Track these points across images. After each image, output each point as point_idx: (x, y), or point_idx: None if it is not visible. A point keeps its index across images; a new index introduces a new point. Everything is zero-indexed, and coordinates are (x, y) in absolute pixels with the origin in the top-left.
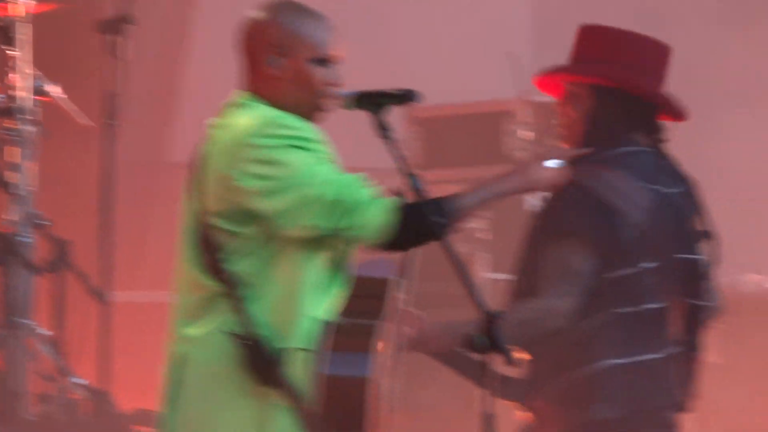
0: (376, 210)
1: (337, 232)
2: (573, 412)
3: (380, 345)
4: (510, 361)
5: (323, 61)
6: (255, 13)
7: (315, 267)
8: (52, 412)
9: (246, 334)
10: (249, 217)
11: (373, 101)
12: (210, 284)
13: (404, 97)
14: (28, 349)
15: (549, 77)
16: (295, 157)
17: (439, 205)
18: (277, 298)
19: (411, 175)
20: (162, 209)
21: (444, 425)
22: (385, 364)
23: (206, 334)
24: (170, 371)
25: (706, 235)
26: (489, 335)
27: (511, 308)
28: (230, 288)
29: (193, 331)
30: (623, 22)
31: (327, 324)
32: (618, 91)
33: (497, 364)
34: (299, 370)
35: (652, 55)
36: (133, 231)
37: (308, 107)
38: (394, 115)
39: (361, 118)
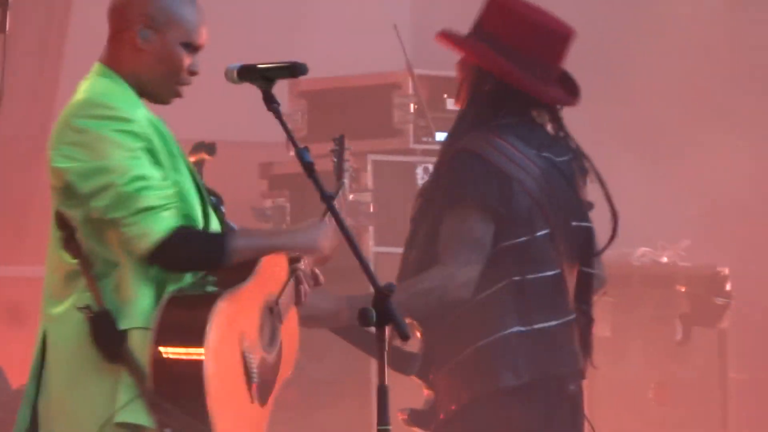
0: (159, 223)
1: (121, 226)
2: (477, 382)
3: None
4: (405, 335)
5: (191, 48)
6: None
7: None
8: None
9: (94, 312)
10: (74, 196)
11: (259, 74)
12: (68, 262)
13: (291, 69)
14: None
15: (443, 43)
16: (110, 144)
17: (219, 240)
18: (118, 276)
19: (299, 149)
20: (44, 184)
21: (338, 399)
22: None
23: (64, 312)
24: (36, 350)
25: (591, 205)
26: (382, 309)
27: (412, 280)
28: (84, 266)
29: (55, 309)
30: None
31: (168, 298)
32: (491, 75)
33: (393, 337)
34: (140, 348)
35: (545, 38)
36: (14, 206)
37: (164, 87)
38: (281, 89)
39: (249, 90)
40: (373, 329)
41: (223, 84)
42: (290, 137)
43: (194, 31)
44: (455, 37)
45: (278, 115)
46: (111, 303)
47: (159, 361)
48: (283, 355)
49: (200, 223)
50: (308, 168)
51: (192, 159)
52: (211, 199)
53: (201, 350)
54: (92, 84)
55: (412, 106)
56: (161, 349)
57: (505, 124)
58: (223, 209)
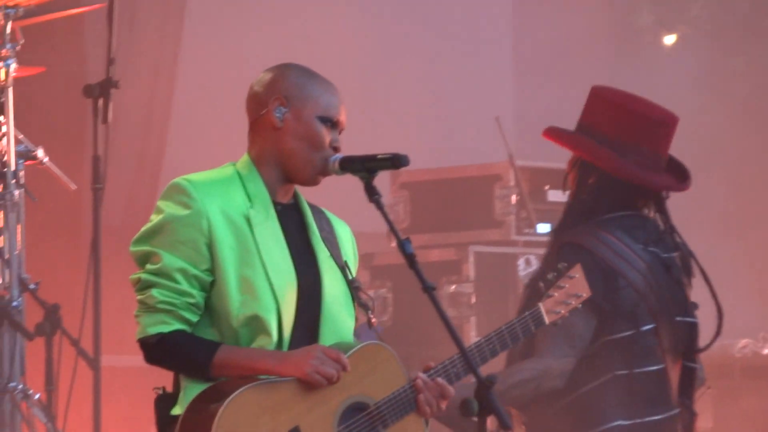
0: (152, 325)
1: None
2: None
3: None
4: (506, 425)
5: (329, 122)
6: (268, 70)
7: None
8: None
9: (159, 395)
10: None
11: (362, 165)
12: None
13: (392, 161)
14: (21, 412)
15: (549, 138)
16: (163, 228)
17: (202, 355)
18: None
19: (401, 240)
20: None
21: None
22: None
23: None
24: None
25: (695, 305)
26: (484, 399)
27: (511, 369)
28: None
29: None
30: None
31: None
32: (595, 168)
33: (494, 427)
34: None
35: (648, 126)
36: (122, 295)
37: (308, 164)
38: (383, 179)
39: (351, 182)
40: (475, 419)
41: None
42: (392, 228)
43: (330, 106)
44: (559, 132)
45: (380, 206)
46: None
47: None
48: None
49: (269, 315)
50: (410, 259)
51: None
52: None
53: None
54: (207, 171)
55: (513, 197)
56: None
57: (613, 218)
58: (370, 315)
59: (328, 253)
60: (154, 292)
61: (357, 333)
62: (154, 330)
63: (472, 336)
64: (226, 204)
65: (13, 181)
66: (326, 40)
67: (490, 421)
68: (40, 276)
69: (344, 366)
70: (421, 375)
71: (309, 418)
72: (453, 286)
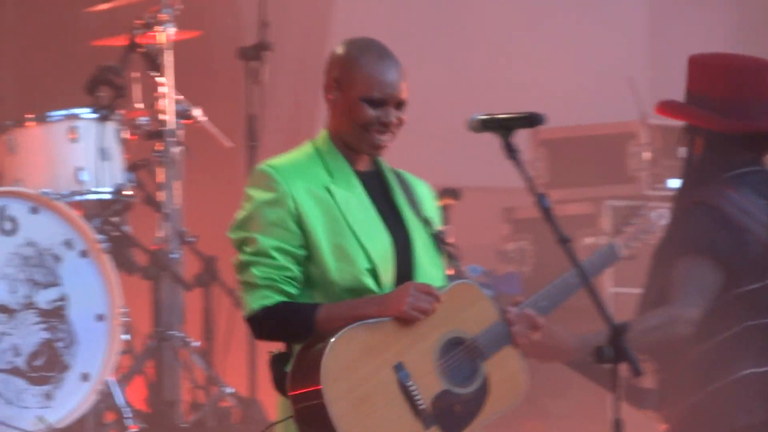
0: (255, 300)
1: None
2: (714, 422)
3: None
4: (638, 372)
5: (373, 102)
6: (335, 49)
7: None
8: (204, 419)
9: (273, 355)
10: None
11: (501, 124)
12: None
13: (531, 119)
14: (181, 359)
15: (662, 114)
16: (254, 213)
17: (304, 317)
18: None
19: (538, 195)
20: None
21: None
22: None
23: None
24: None
25: None
26: (616, 346)
27: (641, 316)
28: None
29: None
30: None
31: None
32: (707, 132)
33: (626, 373)
34: None
35: (751, 77)
36: None
37: (357, 140)
38: (521, 136)
39: (490, 139)
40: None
41: (468, 133)
42: (530, 183)
43: (375, 84)
44: (671, 107)
45: (518, 162)
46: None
47: (296, 406)
48: (491, 392)
49: (366, 277)
50: (546, 213)
51: (440, 203)
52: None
53: (319, 387)
54: (287, 153)
55: (646, 154)
56: (293, 394)
57: (737, 175)
58: (458, 263)
59: (411, 211)
60: (254, 270)
61: (498, 282)
62: (258, 305)
63: (607, 285)
64: (308, 181)
65: (172, 139)
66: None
67: (623, 368)
68: (197, 230)
69: (437, 298)
70: (512, 308)
71: (411, 354)
72: (589, 239)
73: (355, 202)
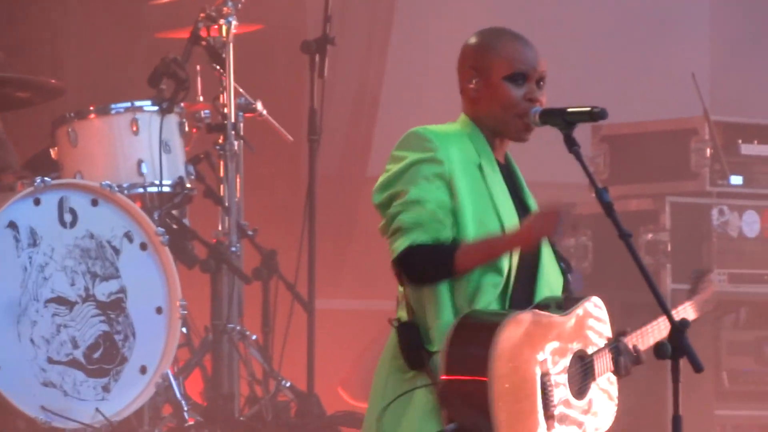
0: (401, 242)
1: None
2: None
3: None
4: (699, 368)
5: (516, 78)
6: (466, 41)
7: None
8: (261, 413)
9: (400, 323)
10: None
11: (562, 118)
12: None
13: (593, 114)
14: (239, 352)
15: None
16: (407, 169)
17: (445, 252)
18: (423, 297)
19: (599, 190)
20: (361, 222)
21: (636, 429)
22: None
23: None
24: None
25: None
26: (677, 343)
27: None
28: (403, 287)
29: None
30: None
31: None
32: None
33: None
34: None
35: None
36: (334, 242)
37: (507, 125)
38: (582, 132)
39: (551, 133)
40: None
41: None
42: (591, 178)
43: (515, 61)
44: None
45: (579, 157)
46: (421, 320)
47: (448, 389)
48: (593, 412)
49: (503, 260)
50: (607, 208)
51: None
52: (560, 264)
53: (485, 379)
54: (436, 125)
55: (708, 150)
56: (450, 378)
57: None
58: (571, 277)
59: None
60: (402, 216)
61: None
62: (404, 243)
63: (667, 282)
64: (462, 152)
65: (233, 132)
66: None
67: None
68: (257, 223)
69: (565, 210)
70: (623, 340)
71: (554, 357)
72: (650, 235)
73: (499, 186)
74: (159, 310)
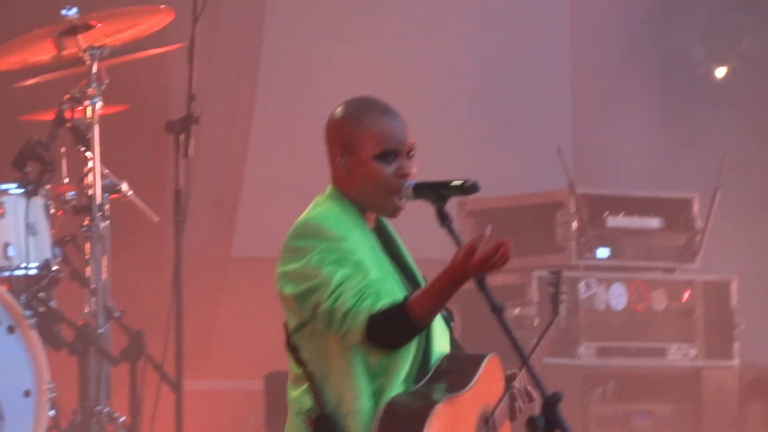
0: (359, 320)
1: (340, 338)
2: None
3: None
4: None
5: (386, 155)
6: (332, 113)
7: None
8: None
9: (316, 417)
10: (299, 317)
11: (434, 192)
12: (294, 369)
13: (465, 188)
14: None
15: None
16: (317, 262)
17: (402, 312)
18: (338, 387)
19: None
20: (226, 302)
21: None
22: None
23: (294, 399)
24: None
25: None
26: (550, 416)
27: None
28: (308, 377)
29: (291, 394)
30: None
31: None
32: None
33: None
34: None
35: None
36: (200, 322)
37: (379, 202)
38: (447, 206)
39: (420, 208)
40: None
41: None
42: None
43: (383, 139)
44: None
45: (452, 231)
46: (332, 405)
47: None
48: None
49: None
50: (480, 282)
51: None
52: (442, 313)
53: None
54: (315, 206)
55: (574, 223)
56: None
57: None
58: (452, 324)
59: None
60: (342, 297)
61: None
62: (362, 323)
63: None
64: (349, 228)
65: (99, 213)
66: (394, 74)
67: None
68: (124, 304)
69: (477, 242)
70: (516, 384)
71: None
72: (517, 309)
73: (379, 255)
74: (27, 394)
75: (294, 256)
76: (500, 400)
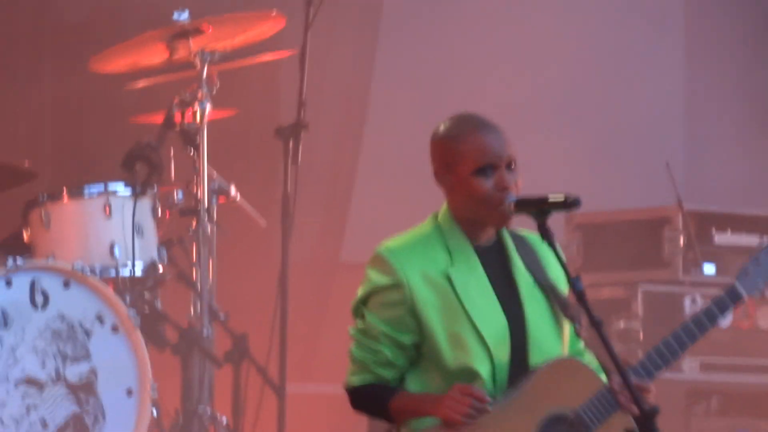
0: (350, 376)
1: None
2: None
3: None
4: None
5: (485, 170)
6: (433, 131)
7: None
8: None
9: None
10: None
11: (536, 207)
12: None
13: (567, 203)
14: None
15: None
16: (370, 302)
17: (382, 404)
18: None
19: (571, 278)
20: (334, 306)
21: None
22: None
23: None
24: None
25: None
26: (645, 429)
27: None
28: None
29: None
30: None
31: None
32: None
33: None
34: None
35: None
36: (306, 326)
37: (484, 217)
38: (555, 219)
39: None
40: None
41: None
42: (563, 266)
43: (480, 154)
44: None
45: (553, 246)
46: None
47: None
48: None
49: (482, 365)
50: (579, 295)
51: None
52: (574, 326)
53: None
54: (410, 231)
55: (681, 239)
56: None
57: None
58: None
59: (531, 281)
60: (354, 347)
61: None
62: (349, 381)
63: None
64: (427, 266)
65: (206, 216)
66: (506, 82)
67: None
68: (229, 307)
69: (478, 398)
70: (616, 377)
71: None
72: (622, 323)
73: (474, 285)
74: (130, 393)
75: (364, 279)
76: (594, 397)
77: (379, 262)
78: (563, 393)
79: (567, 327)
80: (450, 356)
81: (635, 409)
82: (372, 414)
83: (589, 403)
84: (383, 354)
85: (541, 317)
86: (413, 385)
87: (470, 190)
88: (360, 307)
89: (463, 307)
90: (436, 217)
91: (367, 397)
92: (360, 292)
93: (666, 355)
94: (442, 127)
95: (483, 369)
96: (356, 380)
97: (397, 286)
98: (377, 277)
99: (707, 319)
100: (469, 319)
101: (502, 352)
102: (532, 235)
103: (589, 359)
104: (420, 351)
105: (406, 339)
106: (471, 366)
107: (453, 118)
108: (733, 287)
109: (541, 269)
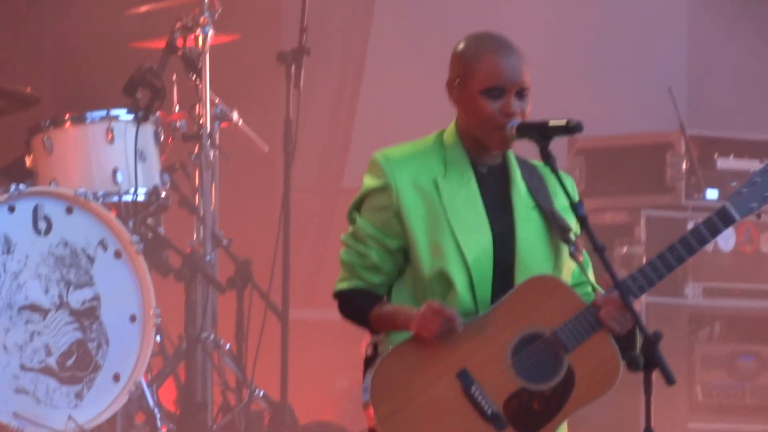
0: (339, 280)
1: None
2: None
3: None
4: (671, 380)
5: (493, 92)
6: (455, 45)
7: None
8: (234, 422)
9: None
10: None
11: (538, 132)
12: None
13: (569, 128)
14: (213, 361)
15: None
16: (365, 204)
17: (364, 310)
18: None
19: (573, 203)
20: (336, 232)
21: None
22: None
23: None
24: None
25: None
26: (649, 355)
27: None
28: None
29: None
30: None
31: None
32: None
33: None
34: None
35: None
36: (309, 252)
37: (484, 136)
38: (558, 144)
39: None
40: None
41: None
42: (566, 191)
43: (492, 75)
44: None
45: (554, 170)
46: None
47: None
48: (577, 383)
49: (457, 271)
50: (582, 220)
51: None
52: (569, 247)
53: (370, 409)
54: (412, 141)
55: (684, 164)
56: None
57: None
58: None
59: (532, 204)
60: (343, 251)
61: None
62: (337, 286)
63: (641, 297)
64: (419, 173)
65: (209, 141)
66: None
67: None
68: (232, 233)
69: (448, 317)
70: (600, 291)
71: (477, 358)
72: (625, 248)
73: (463, 197)
74: (133, 318)
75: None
76: (572, 315)
77: (373, 165)
78: (540, 311)
79: (568, 258)
80: (428, 263)
81: (616, 327)
82: (356, 322)
83: (568, 322)
84: (370, 258)
85: (534, 240)
86: (396, 293)
87: (475, 108)
88: (353, 212)
89: (446, 215)
90: (442, 132)
91: (351, 304)
92: (355, 197)
93: (651, 276)
94: (462, 42)
95: (459, 279)
96: (344, 285)
97: (385, 188)
98: (369, 181)
99: (696, 240)
100: (450, 228)
101: (484, 267)
102: (544, 166)
103: (587, 293)
104: (407, 258)
105: (393, 243)
106: (446, 271)
107: (476, 34)
108: (723, 208)
109: (546, 196)
